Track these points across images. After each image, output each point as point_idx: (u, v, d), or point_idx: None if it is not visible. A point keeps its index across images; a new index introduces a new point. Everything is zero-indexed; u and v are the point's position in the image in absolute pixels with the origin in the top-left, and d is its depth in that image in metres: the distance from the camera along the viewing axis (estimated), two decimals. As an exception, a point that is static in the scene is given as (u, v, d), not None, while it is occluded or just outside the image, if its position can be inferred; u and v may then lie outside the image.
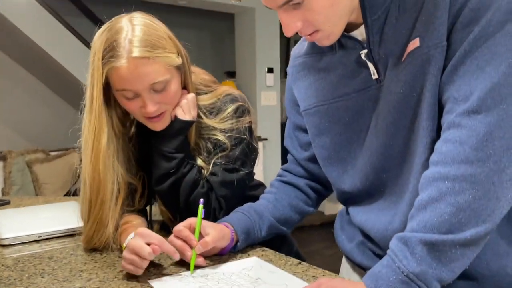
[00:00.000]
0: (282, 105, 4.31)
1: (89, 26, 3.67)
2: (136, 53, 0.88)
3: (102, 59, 0.89)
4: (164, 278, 0.83)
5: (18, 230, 1.08)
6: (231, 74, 4.70)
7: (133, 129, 1.07)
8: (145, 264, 0.82)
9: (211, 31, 4.93)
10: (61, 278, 0.84)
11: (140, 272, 0.82)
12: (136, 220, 1.00)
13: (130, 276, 0.84)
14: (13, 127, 3.55)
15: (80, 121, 0.97)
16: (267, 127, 4.23)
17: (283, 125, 4.25)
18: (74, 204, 1.37)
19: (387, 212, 0.81)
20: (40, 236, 1.08)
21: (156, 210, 1.15)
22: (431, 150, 0.71)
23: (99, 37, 0.91)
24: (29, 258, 0.96)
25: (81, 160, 0.96)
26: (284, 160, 1.26)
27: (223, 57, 4.94)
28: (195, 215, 0.90)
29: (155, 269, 0.87)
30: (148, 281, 0.82)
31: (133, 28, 0.90)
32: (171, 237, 0.89)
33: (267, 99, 4.29)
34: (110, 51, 0.88)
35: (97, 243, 0.98)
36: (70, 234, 1.11)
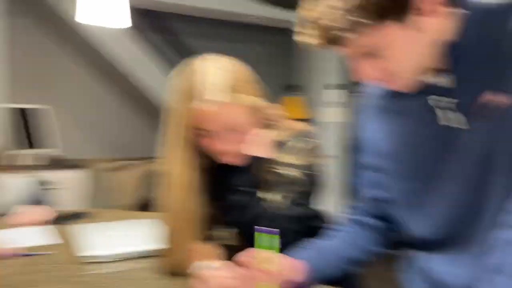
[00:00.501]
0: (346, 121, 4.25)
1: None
2: (209, 96, 0.96)
3: (181, 101, 0.98)
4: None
5: (99, 249, 1.18)
6: (293, 88, 4.70)
7: (208, 161, 1.13)
8: None
9: (270, 45, 4.96)
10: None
11: None
12: (208, 248, 1.07)
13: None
14: (91, 135, 3.85)
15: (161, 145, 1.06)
16: (332, 144, 4.20)
17: (347, 142, 4.20)
18: (150, 223, 1.47)
19: (465, 264, 0.80)
20: (120, 256, 1.17)
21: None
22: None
23: (177, 78, 1.00)
24: (110, 278, 1.05)
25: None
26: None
27: (283, 71, 4.96)
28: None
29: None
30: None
31: (207, 72, 0.99)
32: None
33: (332, 115, 4.26)
34: (187, 93, 0.98)
35: (175, 268, 1.05)
36: (148, 256, 1.20)
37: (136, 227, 1.41)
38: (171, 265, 1.06)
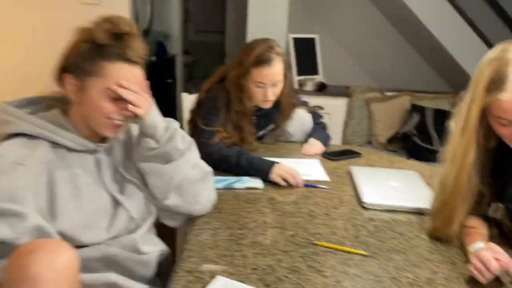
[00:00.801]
0: None
1: None
2: None
3: (487, 89, 0.94)
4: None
5: (376, 197, 1.35)
6: None
7: (493, 143, 1.10)
8: (489, 276, 0.92)
9: None
10: (411, 260, 1.05)
11: (483, 280, 0.93)
12: (481, 227, 1.09)
13: (472, 282, 0.96)
14: (362, 64, 4.00)
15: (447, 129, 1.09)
16: None
17: None
18: (415, 176, 1.55)
19: None
20: (392, 208, 1.32)
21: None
22: None
23: (488, 64, 0.95)
24: (384, 227, 1.21)
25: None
26: None
27: None
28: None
29: (494, 284, 0.95)
30: (489, 296, 0.92)
31: None
32: None
33: None
34: (497, 82, 0.92)
35: (441, 236, 1.13)
36: (416, 212, 1.30)
37: (403, 179, 1.51)
38: (439, 232, 1.13)
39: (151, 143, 1.11)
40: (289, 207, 1.31)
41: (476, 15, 3.45)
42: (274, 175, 1.47)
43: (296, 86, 3.22)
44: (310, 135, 1.92)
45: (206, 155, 1.30)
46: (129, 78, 1.01)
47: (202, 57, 6.30)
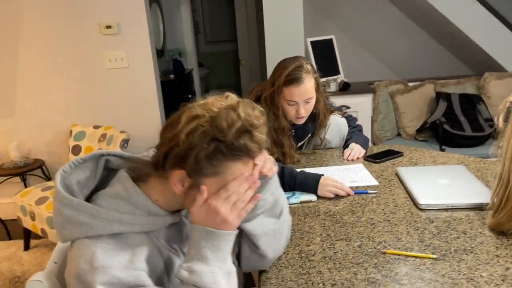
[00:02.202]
0: None
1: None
2: None
3: None
4: None
5: (431, 198, 1.37)
6: None
7: None
8: None
9: None
10: (481, 258, 1.07)
11: None
12: None
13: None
14: (381, 59, 4.01)
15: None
16: None
17: None
18: (463, 170, 1.57)
19: None
20: (448, 206, 1.34)
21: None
22: None
23: None
24: (446, 227, 1.24)
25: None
26: None
27: None
28: None
29: None
30: None
31: None
32: None
33: None
34: None
35: (505, 230, 1.16)
36: (473, 208, 1.32)
37: (452, 175, 1.53)
38: (503, 226, 1.16)
39: (266, 196, 1.04)
40: (348, 217, 1.35)
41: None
42: (322, 192, 1.50)
43: (320, 88, 3.26)
44: (348, 139, 1.96)
45: None
46: (247, 172, 0.86)
47: (215, 68, 6.39)
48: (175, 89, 4.42)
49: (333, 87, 3.20)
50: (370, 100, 3.24)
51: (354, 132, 1.99)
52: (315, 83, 1.77)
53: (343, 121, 2.00)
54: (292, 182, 1.55)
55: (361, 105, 3.17)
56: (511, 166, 1.09)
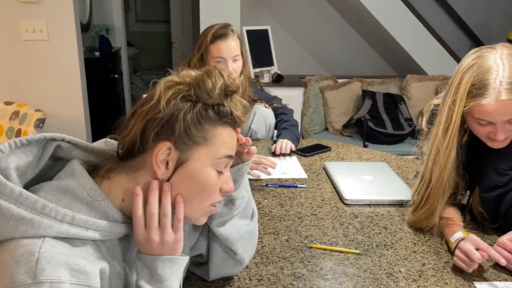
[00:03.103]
0: None
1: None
2: (504, 96, 0.97)
3: (468, 94, 1.01)
4: (490, 283, 1.01)
5: (356, 193, 1.41)
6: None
7: (465, 138, 1.18)
8: (474, 266, 1.01)
9: None
10: (400, 254, 1.12)
11: (469, 270, 1.02)
12: (457, 217, 1.19)
13: (457, 270, 1.05)
14: (313, 54, 4.08)
15: (427, 133, 1.16)
16: None
17: None
18: (385, 168, 1.64)
19: None
20: (372, 202, 1.39)
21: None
22: None
23: (468, 70, 1.02)
24: (369, 223, 1.28)
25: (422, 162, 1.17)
26: None
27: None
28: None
29: (477, 271, 1.05)
30: (474, 282, 1.01)
31: (504, 69, 0.98)
32: (496, 246, 1.04)
33: None
34: (479, 89, 0.99)
35: (423, 227, 1.22)
36: (394, 204, 1.38)
37: (375, 171, 1.59)
38: (422, 223, 1.22)
39: (243, 194, 0.94)
40: (277, 210, 1.34)
41: (418, 1, 3.63)
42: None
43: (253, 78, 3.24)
44: (279, 135, 1.94)
45: None
46: (234, 143, 0.79)
47: (146, 49, 6.12)
48: (100, 68, 4.15)
49: (266, 78, 3.21)
50: (301, 93, 3.30)
51: (286, 129, 1.98)
52: (240, 45, 1.81)
53: (269, 111, 2.00)
54: None
55: (292, 98, 3.20)
56: (434, 167, 1.14)
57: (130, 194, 0.74)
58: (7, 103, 2.78)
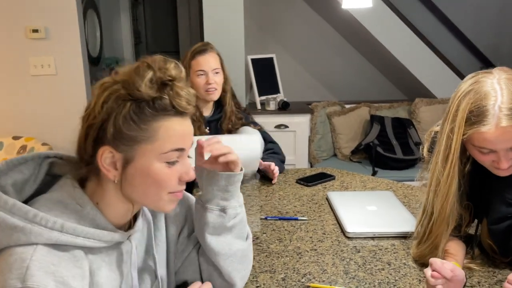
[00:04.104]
0: None
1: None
2: (504, 122, 0.92)
3: (467, 121, 0.97)
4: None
5: (358, 225, 1.35)
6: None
7: (468, 167, 1.13)
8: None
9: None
10: (404, 292, 1.05)
11: None
12: (459, 252, 1.12)
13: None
14: (320, 80, 4.08)
15: (429, 160, 1.11)
16: None
17: None
18: (390, 197, 1.58)
19: None
20: (375, 235, 1.33)
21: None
22: None
23: (465, 97, 0.98)
24: (372, 258, 1.21)
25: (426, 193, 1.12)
26: None
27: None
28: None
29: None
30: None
31: (502, 94, 0.93)
32: (506, 283, 0.96)
33: None
34: (478, 116, 0.94)
35: (427, 261, 1.14)
36: (400, 236, 1.32)
37: (379, 201, 1.53)
38: (425, 257, 1.15)
39: (235, 205, 0.93)
40: (275, 245, 1.29)
41: (423, 25, 3.62)
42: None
43: (258, 106, 3.23)
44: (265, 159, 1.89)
45: None
46: (184, 134, 0.78)
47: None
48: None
49: (272, 106, 3.19)
50: (308, 120, 3.26)
51: (271, 155, 1.92)
52: (220, 60, 1.91)
53: (256, 132, 1.92)
54: None
55: (299, 125, 3.17)
56: (435, 199, 1.08)
57: (101, 197, 0.78)
58: (15, 138, 2.82)
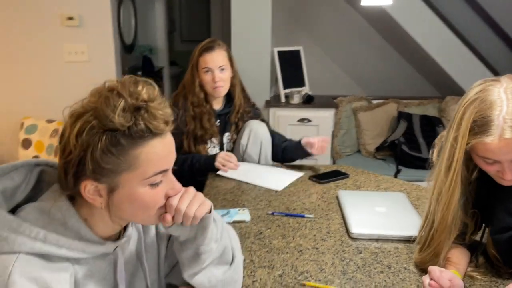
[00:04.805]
0: None
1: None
2: (508, 134, 0.89)
3: (470, 130, 0.94)
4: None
5: (363, 227, 1.35)
6: None
7: (475, 174, 1.10)
8: None
9: None
10: (399, 297, 1.05)
11: None
12: (462, 261, 1.11)
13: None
14: (348, 73, 4.02)
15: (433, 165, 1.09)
16: None
17: None
18: (402, 199, 1.56)
19: None
20: (379, 237, 1.32)
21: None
22: None
23: (470, 105, 0.95)
24: (372, 260, 1.21)
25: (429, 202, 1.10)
26: None
27: None
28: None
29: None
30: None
31: (508, 104, 0.90)
32: None
33: None
34: (482, 126, 0.92)
35: (425, 265, 1.14)
36: (404, 240, 1.30)
37: (389, 202, 1.52)
38: (427, 264, 1.13)
39: (211, 243, 0.88)
40: (277, 241, 1.31)
41: (459, 19, 3.48)
42: (217, 163, 1.80)
43: (283, 99, 3.23)
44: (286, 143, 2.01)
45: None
46: (165, 154, 0.77)
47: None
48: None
49: (296, 99, 3.18)
50: (332, 114, 3.23)
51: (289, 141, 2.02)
52: (228, 56, 1.93)
53: (262, 127, 1.97)
54: (197, 160, 1.84)
55: (322, 119, 3.15)
56: (437, 207, 1.07)
57: (90, 213, 0.79)
58: (49, 121, 2.95)
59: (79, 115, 0.73)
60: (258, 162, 1.94)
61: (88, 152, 0.71)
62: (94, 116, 0.71)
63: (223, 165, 1.79)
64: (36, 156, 2.90)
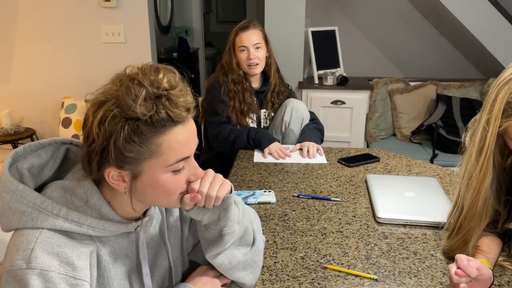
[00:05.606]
0: None
1: None
2: None
3: (503, 112, 0.89)
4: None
5: (391, 212, 1.32)
6: None
7: (510, 161, 1.05)
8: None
9: None
10: (423, 284, 1.02)
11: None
12: (492, 251, 1.06)
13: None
14: (386, 54, 3.89)
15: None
16: None
17: None
18: (434, 184, 1.51)
19: None
20: (407, 222, 1.29)
21: None
22: None
23: (504, 85, 0.90)
24: (398, 245, 1.19)
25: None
26: None
27: None
28: None
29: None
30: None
31: None
32: None
33: None
34: None
35: (453, 253, 1.10)
36: (433, 226, 1.27)
37: (421, 187, 1.47)
38: (454, 251, 1.10)
39: (235, 217, 0.89)
40: (301, 223, 1.30)
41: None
42: (267, 150, 1.84)
43: (316, 81, 3.17)
44: (303, 137, 1.98)
45: (223, 141, 1.91)
46: (187, 141, 0.77)
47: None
48: (177, 68, 4.36)
49: (330, 81, 3.12)
50: (367, 97, 3.15)
51: (308, 129, 2.03)
52: (263, 35, 2.02)
53: (301, 104, 2.08)
54: (253, 135, 1.88)
55: (357, 101, 3.08)
56: (466, 194, 1.03)
57: (113, 195, 0.81)
58: (87, 101, 3.05)
59: (101, 104, 0.73)
60: (299, 137, 2.02)
61: (111, 141, 0.72)
62: (116, 105, 0.72)
63: (276, 155, 1.82)
64: (75, 135, 3.02)
